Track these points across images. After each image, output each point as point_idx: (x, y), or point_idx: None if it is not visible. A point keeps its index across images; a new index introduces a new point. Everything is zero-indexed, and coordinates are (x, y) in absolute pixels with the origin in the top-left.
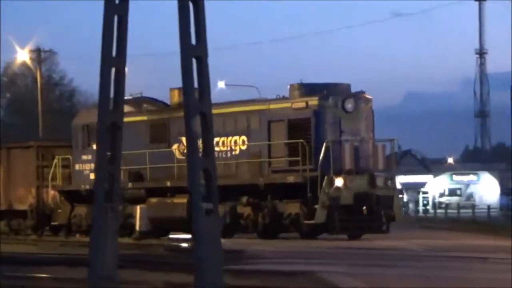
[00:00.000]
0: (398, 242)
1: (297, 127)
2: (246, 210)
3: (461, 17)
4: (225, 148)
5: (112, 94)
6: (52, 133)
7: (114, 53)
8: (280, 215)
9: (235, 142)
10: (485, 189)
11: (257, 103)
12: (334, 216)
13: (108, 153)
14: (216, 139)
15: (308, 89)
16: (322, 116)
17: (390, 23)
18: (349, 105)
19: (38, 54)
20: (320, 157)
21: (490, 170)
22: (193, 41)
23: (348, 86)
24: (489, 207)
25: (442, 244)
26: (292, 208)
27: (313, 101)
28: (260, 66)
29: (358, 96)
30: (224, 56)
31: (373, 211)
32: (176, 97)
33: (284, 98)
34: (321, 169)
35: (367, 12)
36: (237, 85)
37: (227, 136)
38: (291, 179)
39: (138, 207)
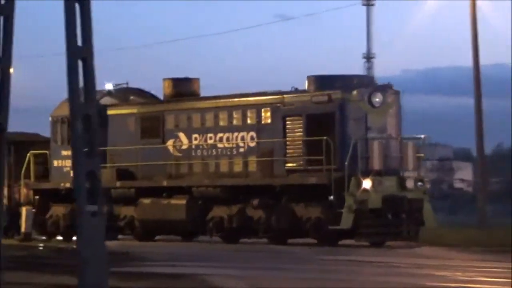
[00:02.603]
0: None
1: (317, 123)
2: (257, 213)
3: (349, 21)
4: (230, 145)
5: None
6: None
7: None
8: (298, 220)
9: (242, 138)
10: None
11: (269, 95)
12: (362, 221)
13: None
14: (219, 135)
15: (328, 81)
16: (347, 110)
17: (275, 26)
18: (376, 99)
19: None
20: (348, 156)
21: None
22: (79, 43)
23: (373, 79)
24: None
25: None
26: (312, 212)
27: (337, 94)
28: (146, 68)
29: (386, 90)
30: (112, 58)
31: (401, 215)
32: (170, 88)
33: (301, 91)
34: (347, 169)
35: (249, 14)
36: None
37: (233, 132)
38: (313, 180)
39: (24, 209)
